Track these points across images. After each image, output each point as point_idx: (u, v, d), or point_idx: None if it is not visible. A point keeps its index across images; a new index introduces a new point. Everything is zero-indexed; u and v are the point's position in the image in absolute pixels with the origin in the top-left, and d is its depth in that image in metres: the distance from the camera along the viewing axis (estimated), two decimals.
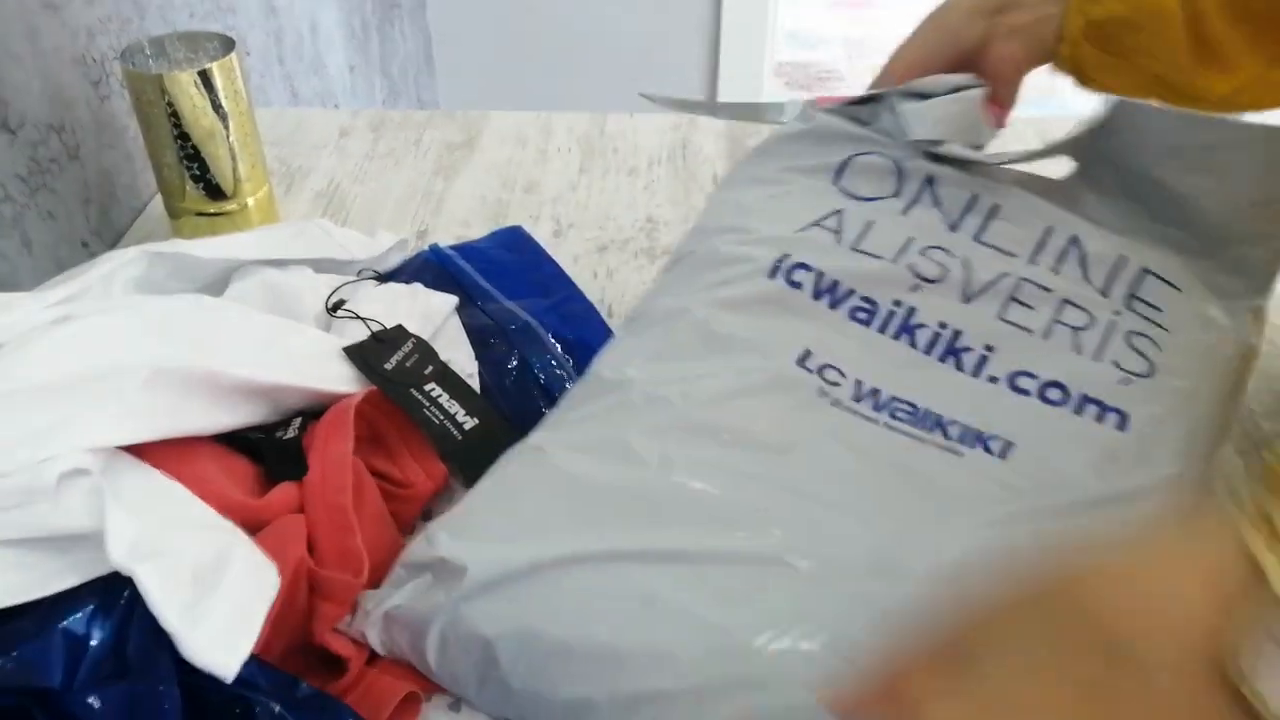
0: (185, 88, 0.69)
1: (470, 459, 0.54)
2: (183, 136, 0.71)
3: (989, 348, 0.52)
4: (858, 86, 0.64)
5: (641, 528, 0.46)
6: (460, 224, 0.82)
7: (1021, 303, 0.53)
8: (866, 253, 0.55)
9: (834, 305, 0.53)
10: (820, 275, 0.54)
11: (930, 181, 0.57)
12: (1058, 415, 0.50)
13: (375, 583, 0.48)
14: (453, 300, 0.65)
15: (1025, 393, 0.50)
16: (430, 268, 0.71)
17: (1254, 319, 0.55)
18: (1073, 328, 0.52)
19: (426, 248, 0.74)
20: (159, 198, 0.79)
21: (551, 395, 0.60)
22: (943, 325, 0.52)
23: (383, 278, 0.69)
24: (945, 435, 0.49)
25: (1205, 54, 0.57)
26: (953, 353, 0.52)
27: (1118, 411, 0.50)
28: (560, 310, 0.67)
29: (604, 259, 0.78)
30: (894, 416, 0.50)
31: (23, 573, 0.41)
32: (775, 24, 2.08)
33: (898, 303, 0.53)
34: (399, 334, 0.60)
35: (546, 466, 0.50)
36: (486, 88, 2.09)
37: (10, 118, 0.68)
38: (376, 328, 0.60)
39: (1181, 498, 0.48)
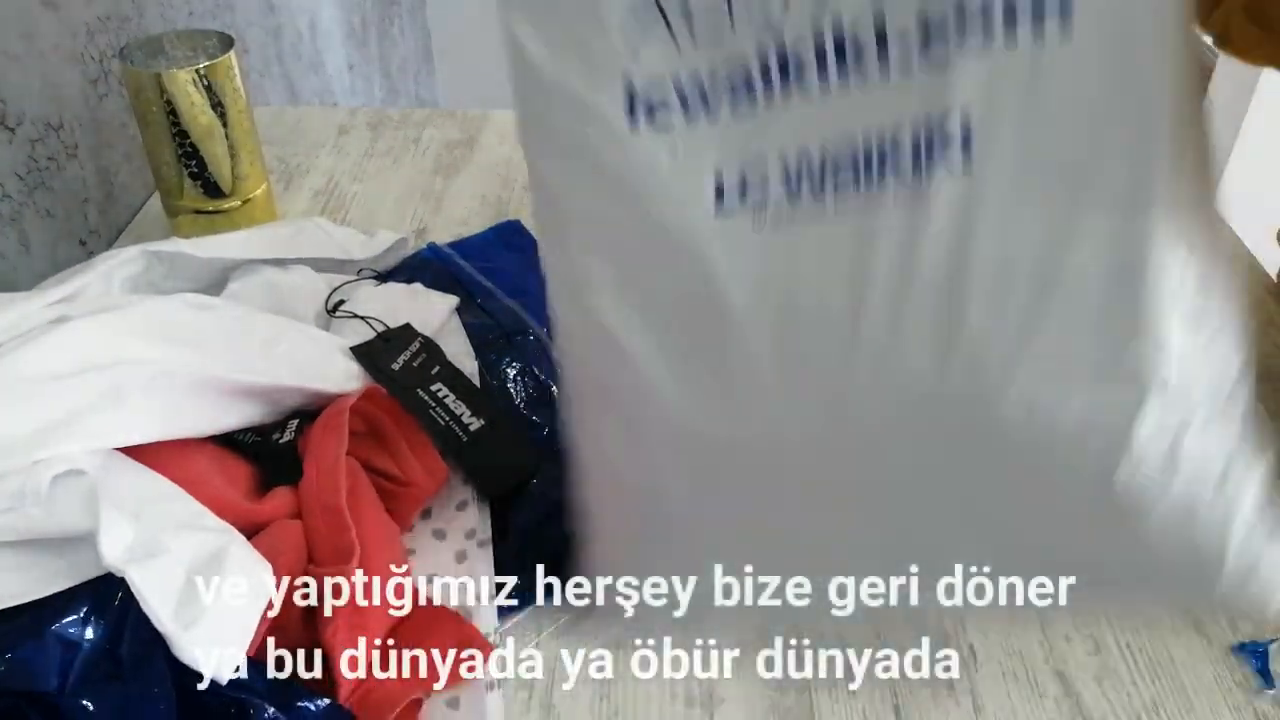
0: (183, 86, 0.69)
1: (475, 461, 0.54)
2: (181, 135, 0.71)
3: None
4: None
5: None
6: (459, 223, 0.82)
7: None
8: None
9: None
10: None
11: None
12: None
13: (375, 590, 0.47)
14: (453, 300, 0.65)
15: None
16: (429, 266, 0.70)
17: None
18: None
19: (425, 246, 0.73)
20: (157, 196, 0.79)
21: (550, 394, 0.60)
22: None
23: (382, 277, 0.69)
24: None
25: None
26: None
27: None
28: None
29: None
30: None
31: (17, 575, 0.40)
32: None
33: None
34: (406, 334, 0.59)
35: None
36: (486, 86, 2.07)
37: (8, 116, 0.68)
38: (379, 327, 0.59)
39: None
